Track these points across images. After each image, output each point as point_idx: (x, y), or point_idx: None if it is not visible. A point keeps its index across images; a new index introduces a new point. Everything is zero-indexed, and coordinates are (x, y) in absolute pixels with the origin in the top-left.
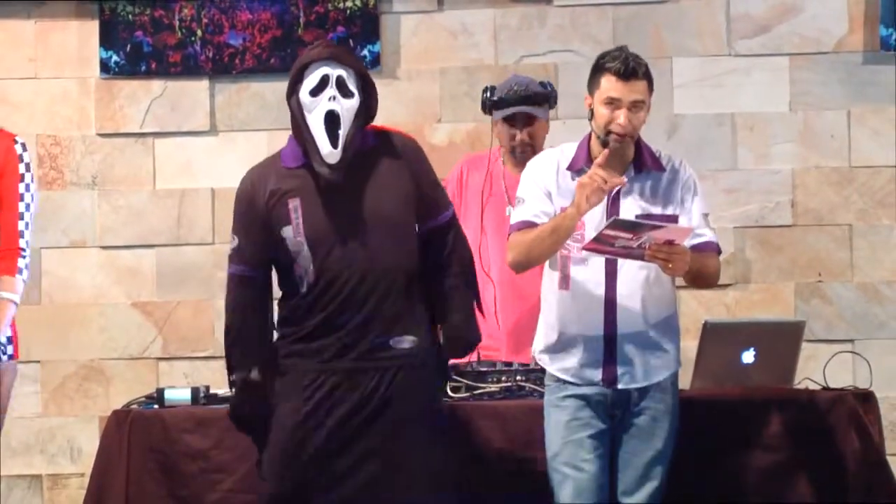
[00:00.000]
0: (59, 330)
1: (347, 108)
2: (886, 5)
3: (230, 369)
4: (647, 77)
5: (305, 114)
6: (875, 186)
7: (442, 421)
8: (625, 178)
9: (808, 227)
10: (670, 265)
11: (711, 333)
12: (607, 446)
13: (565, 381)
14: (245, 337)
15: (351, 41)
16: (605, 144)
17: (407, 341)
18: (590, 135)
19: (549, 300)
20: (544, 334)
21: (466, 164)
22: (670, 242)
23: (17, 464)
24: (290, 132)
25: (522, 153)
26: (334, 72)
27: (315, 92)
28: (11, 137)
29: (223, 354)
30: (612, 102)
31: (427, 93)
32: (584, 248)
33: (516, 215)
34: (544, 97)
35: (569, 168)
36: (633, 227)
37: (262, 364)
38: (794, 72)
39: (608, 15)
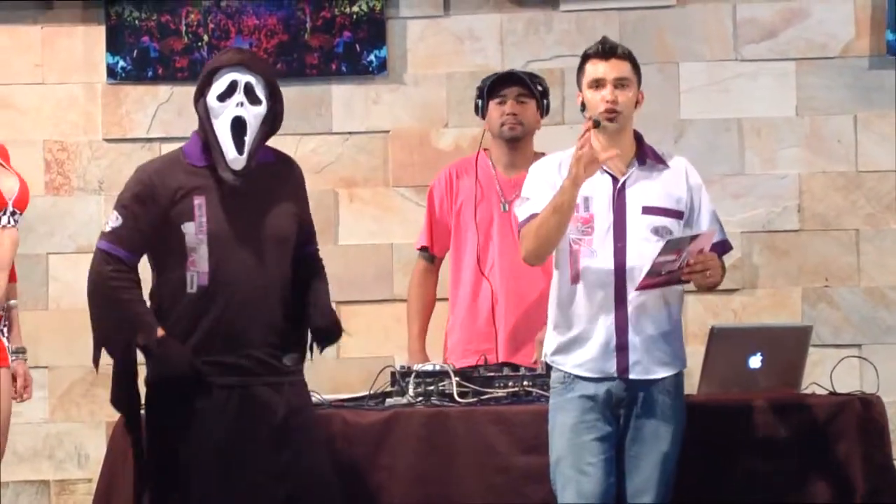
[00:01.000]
0: (67, 335)
1: (255, 114)
2: (893, 10)
3: (123, 334)
4: (631, 60)
5: (212, 118)
6: (882, 191)
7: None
8: (617, 150)
9: (815, 231)
10: (708, 275)
11: (718, 338)
12: (613, 449)
13: (578, 378)
14: (137, 308)
15: (357, 46)
16: (596, 125)
17: (291, 358)
18: (591, 134)
19: (561, 298)
20: (557, 335)
21: (454, 169)
22: (701, 251)
23: (24, 469)
24: (296, 137)
25: (512, 129)
26: (243, 78)
27: (223, 97)
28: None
29: None
30: (597, 83)
31: (433, 98)
32: (640, 289)
33: (522, 211)
34: (533, 80)
35: None
36: (677, 245)
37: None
38: (800, 76)
39: (614, 20)
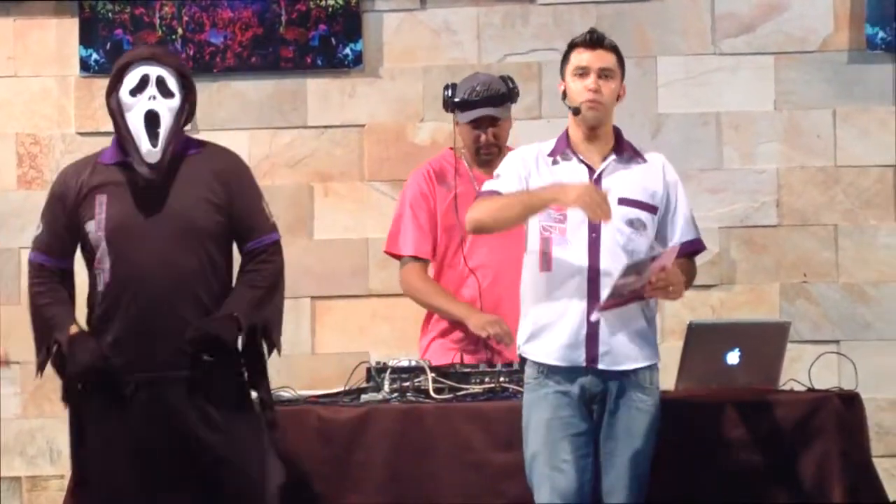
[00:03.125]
0: None
1: (168, 107)
2: (872, 4)
3: (45, 338)
4: (616, 52)
5: (125, 113)
6: (861, 186)
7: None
8: (609, 188)
9: (794, 227)
10: (671, 290)
11: (696, 334)
12: (589, 446)
13: (551, 372)
14: (52, 311)
15: (333, 39)
16: (576, 113)
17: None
18: (568, 126)
19: (530, 286)
20: (527, 323)
21: (430, 169)
22: (663, 268)
23: None
24: (271, 131)
25: (487, 154)
26: (154, 71)
27: (135, 91)
28: None
29: None
30: (582, 71)
31: (410, 92)
32: (601, 310)
33: (488, 185)
34: (507, 96)
35: (550, 154)
36: (638, 266)
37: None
38: (779, 71)
39: (591, 13)
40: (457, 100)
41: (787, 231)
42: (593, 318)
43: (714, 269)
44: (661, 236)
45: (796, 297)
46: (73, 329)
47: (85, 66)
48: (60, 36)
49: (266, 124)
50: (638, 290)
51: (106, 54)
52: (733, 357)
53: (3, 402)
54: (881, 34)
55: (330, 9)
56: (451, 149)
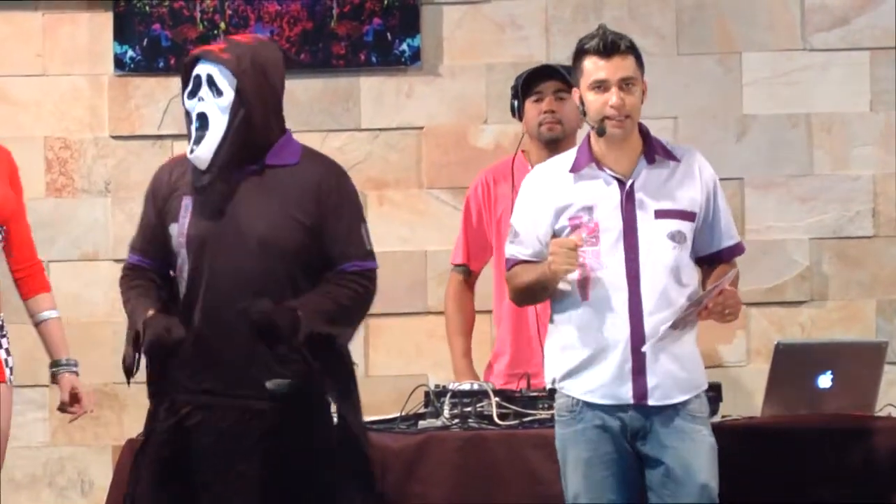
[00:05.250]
0: (70, 351)
1: (218, 107)
2: None
3: (128, 338)
4: (634, 52)
5: (189, 117)
6: None
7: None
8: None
9: (891, 238)
10: (727, 314)
11: (784, 355)
12: (634, 487)
13: (587, 406)
14: (132, 305)
15: (388, 34)
16: (601, 133)
17: (276, 383)
18: (589, 135)
19: (566, 318)
20: (563, 358)
21: (490, 174)
22: (721, 292)
23: (22, 498)
24: (321, 134)
25: (550, 130)
26: (205, 69)
27: (191, 95)
28: (3, 148)
29: None
30: (600, 85)
31: (472, 91)
32: (656, 341)
33: (510, 249)
34: (570, 71)
35: (571, 170)
36: (700, 301)
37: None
38: (875, 68)
39: (671, 5)
40: (519, 84)
41: (884, 242)
42: (645, 349)
43: (804, 285)
44: (699, 243)
45: (894, 314)
46: (150, 312)
47: (119, 63)
48: (93, 31)
49: (316, 127)
50: (691, 315)
51: (142, 51)
52: (825, 380)
53: (30, 427)
54: None
55: (385, 1)
56: (523, 151)
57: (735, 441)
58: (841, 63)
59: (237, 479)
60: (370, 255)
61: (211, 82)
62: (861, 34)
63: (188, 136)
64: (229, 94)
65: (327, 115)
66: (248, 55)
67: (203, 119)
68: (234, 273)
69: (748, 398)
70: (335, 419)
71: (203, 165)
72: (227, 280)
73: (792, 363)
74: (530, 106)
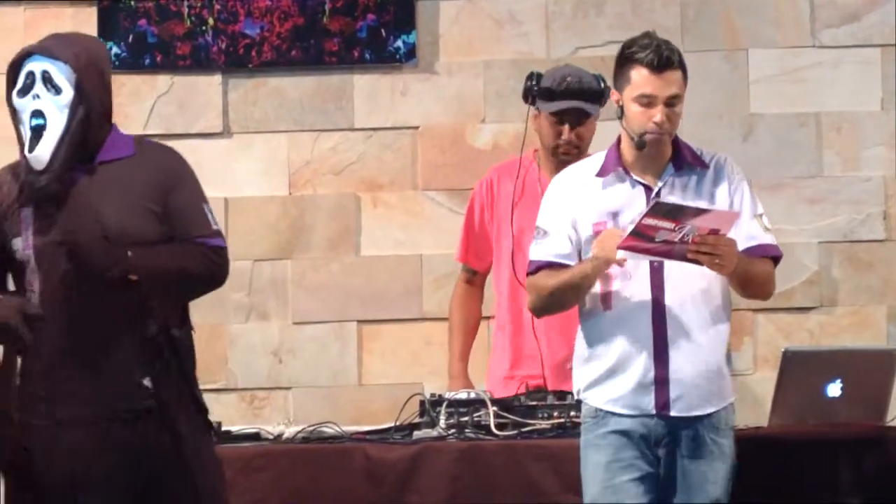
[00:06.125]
0: None
1: (55, 104)
2: None
3: None
4: (682, 67)
5: (21, 116)
6: None
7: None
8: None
9: None
10: (717, 260)
11: (792, 363)
12: (653, 493)
13: (610, 413)
14: None
15: (383, 30)
16: (640, 147)
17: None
18: (619, 137)
19: (590, 326)
20: (587, 368)
21: (496, 173)
22: (715, 232)
23: None
24: (313, 133)
25: (566, 154)
26: (40, 66)
27: (22, 92)
28: None
29: (237, 386)
30: (647, 99)
31: (469, 89)
32: (622, 247)
33: (536, 251)
34: (599, 93)
35: (598, 175)
36: (675, 211)
37: None
38: (886, 65)
39: (675, 1)
40: (542, 87)
41: None
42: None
43: (813, 290)
44: None
45: None
46: None
47: None
48: (77, 27)
49: (307, 126)
50: (676, 245)
51: (128, 48)
52: (834, 389)
53: None
54: None
55: None
56: (535, 150)
57: (742, 451)
58: (851, 60)
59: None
60: (218, 234)
61: (47, 79)
62: (872, 30)
63: (19, 137)
64: (69, 92)
65: (319, 113)
66: (85, 52)
67: (39, 117)
68: (92, 275)
69: (755, 407)
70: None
71: (41, 165)
72: (87, 284)
73: (800, 371)
74: (548, 121)
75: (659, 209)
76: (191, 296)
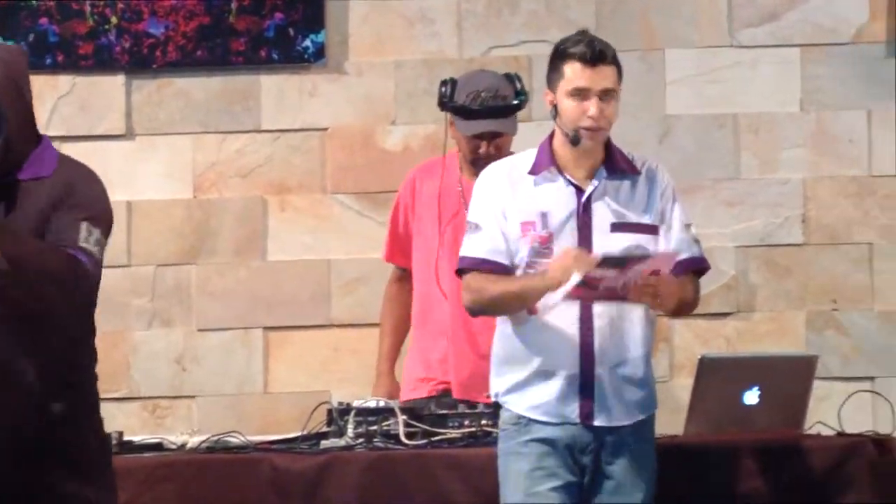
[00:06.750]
0: None
1: None
2: None
3: None
4: (616, 63)
5: None
6: None
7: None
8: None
9: (822, 246)
10: (658, 300)
11: (709, 370)
12: (575, 502)
13: (532, 421)
14: None
15: (291, 30)
16: (575, 142)
17: (59, 406)
18: (551, 135)
19: (513, 330)
20: (507, 371)
21: (418, 173)
22: (655, 272)
23: None
24: (219, 135)
25: (486, 163)
26: None
27: None
28: None
29: (139, 394)
30: (580, 93)
31: (379, 90)
32: (568, 297)
33: (470, 247)
34: (516, 107)
35: (531, 172)
36: (620, 262)
37: None
38: (806, 66)
39: None
40: (456, 105)
41: (815, 251)
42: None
43: (730, 295)
44: None
45: (825, 326)
46: None
47: None
48: None
49: (213, 128)
50: (617, 289)
51: (28, 47)
52: (752, 396)
53: None
54: None
55: None
56: (458, 150)
57: (658, 460)
58: (770, 60)
59: None
60: (84, 251)
61: None
62: (791, 30)
63: None
64: None
65: (225, 115)
66: (1, 66)
67: None
68: None
69: (671, 415)
70: None
71: None
72: None
73: (717, 378)
74: (465, 135)
75: (607, 262)
76: (40, 298)
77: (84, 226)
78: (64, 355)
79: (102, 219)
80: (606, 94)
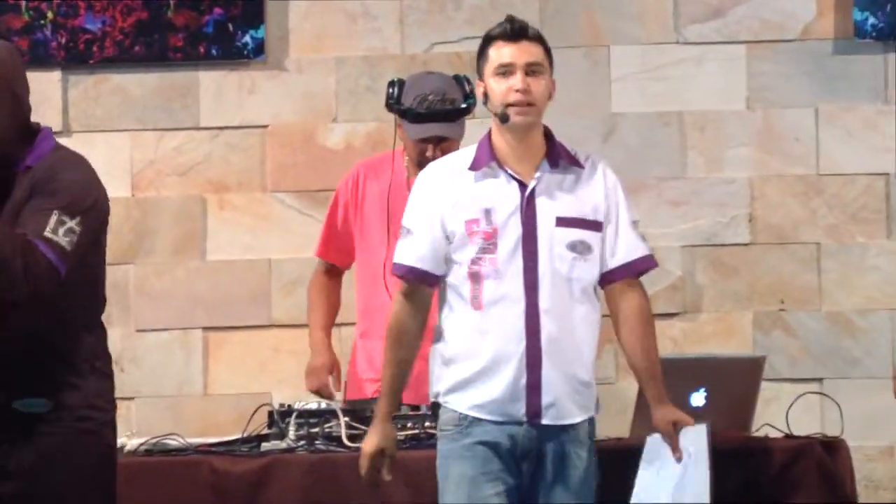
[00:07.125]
0: None
1: None
2: None
3: None
4: (542, 43)
5: None
6: (847, 198)
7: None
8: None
9: (769, 245)
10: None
11: None
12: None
13: (476, 420)
14: None
15: (230, 25)
16: (503, 119)
17: (25, 404)
18: (490, 130)
19: (454, 326)
20: (450, 370)
21: (362, 170)
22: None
23: None
24: (156, 133)
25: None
26: None
27: None
28: None
29: None
30: (504, 70)
31: (320, 87)
32: None
33: (400, 252)
34: (463, 111)
35: (471, 168)
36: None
37: None
38: (752, 62)
39: None
40: (403, 108)
41: (762, 250)
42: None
43: (676, 295)
44: (601, 254)
45: (772, 327)
46: None
47: None
48: None
49: (150, 125)
50: None
51: None
52: (698, 398)
53: None
54: (871, 20)
55: None
56: (405, 152)
57: (603, 463)
58: (716, 57)
59: None
60: (48, 241)
61: None
62: (738, 26)
63: None
64: None
65: (163, 112)
66: None
67: None
68: None
69: (617, 417)
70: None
71: None
72: None
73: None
74: (412, 140)
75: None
76: None
77: (55, 215)
78: (29, 346)
79: (81, 208)
80: (533, 70)
